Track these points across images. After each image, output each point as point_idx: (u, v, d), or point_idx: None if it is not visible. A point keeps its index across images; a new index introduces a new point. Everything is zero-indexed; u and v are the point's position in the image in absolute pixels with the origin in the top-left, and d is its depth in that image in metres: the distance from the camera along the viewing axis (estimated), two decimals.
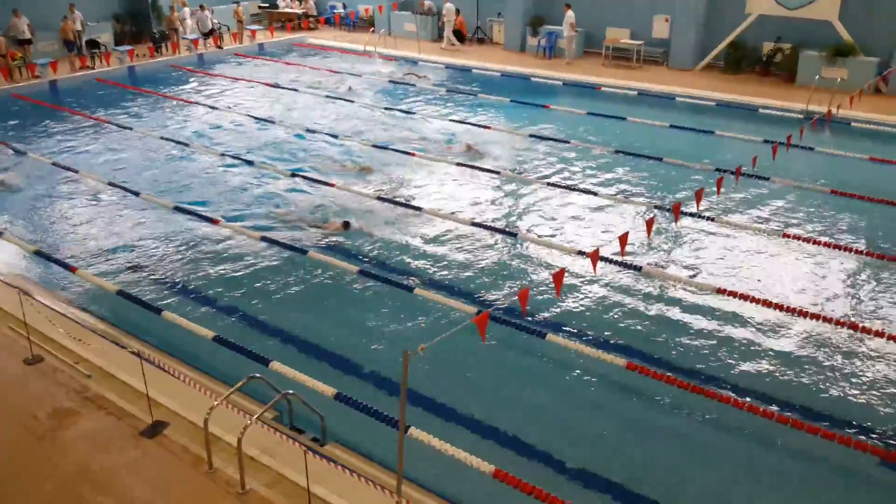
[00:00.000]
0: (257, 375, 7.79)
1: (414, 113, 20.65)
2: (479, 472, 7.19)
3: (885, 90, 21.39)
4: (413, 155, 16.97)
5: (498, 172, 15.93)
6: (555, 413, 8.78)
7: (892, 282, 11.44)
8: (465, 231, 13.15)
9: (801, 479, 7.79)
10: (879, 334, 9.80)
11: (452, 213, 13.92)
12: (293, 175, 15.78)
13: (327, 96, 22.39)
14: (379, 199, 14.44)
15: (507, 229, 13.23)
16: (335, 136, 18.44)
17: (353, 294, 11.19)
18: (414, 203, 14.28)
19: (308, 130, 18.98)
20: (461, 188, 15.27)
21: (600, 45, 26.32)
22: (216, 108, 21.10)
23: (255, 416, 7.09)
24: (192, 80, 24.83)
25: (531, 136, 18.50)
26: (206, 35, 28.70)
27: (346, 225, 13.06)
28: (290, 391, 7.70)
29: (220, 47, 28.75)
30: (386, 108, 21.08)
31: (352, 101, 21.83)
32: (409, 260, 12.15)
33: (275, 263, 12.05)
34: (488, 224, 13.39)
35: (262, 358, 9.02)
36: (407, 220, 13.59)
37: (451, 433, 8.07)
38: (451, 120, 19.91)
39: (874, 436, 8.21)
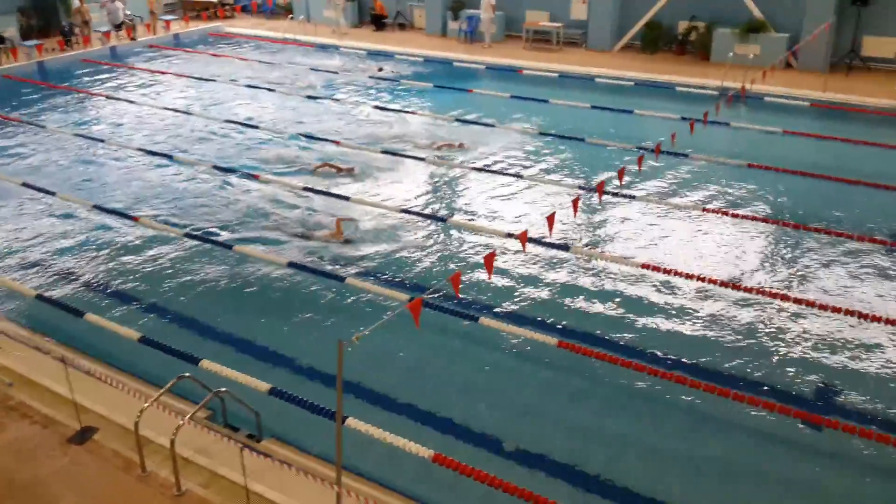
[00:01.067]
0: (187, 375, 7.63)
1: (339, 100, 20.44)
2: (419, 457, 7.22)
3: (795, 65, 22.13)
4: (338, 143, 16.81)
5: (423, 159, 15.92)
6: (491, 394, 8.87)
7: (807, 250, 11.90)
8: (395, 218, 13.12)
9: (729, 443, 8.06)
10: (797, 301, 10.19)
11: (380, 200, 13.86)
12: (228, 171, 15.47)
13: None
14: (306, 189, 14.27)
15: (436, 215, 13.25)
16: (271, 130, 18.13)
17: (283, 287, 11.06)
18: (340, 192, 14.16)
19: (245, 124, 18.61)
20: (387, 175, 15.20)
21: (520, 28, 26.51)
22: (136, 103, 20.48)
23: (188, 417, 6.96)
24: (115, 74, 23.98)
25: (457, 120, 18.53)
26: (118, 27, 27.77)
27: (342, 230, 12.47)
28: (223, 389, 7.57)
29: (133, 38, 27.88)
30: (310, 98, 20.81)
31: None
32: (338, 250, 12.06)
33: (200, 260, 11.81)
34: (417, 210, 13.38)
35: (191, 357, 8.84)
36: (334, 208, 13.47)
37: (389, 421, 8.09)
38: (375, 107, 19.78)
39: (798, 400, 8.55)
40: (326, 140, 17.09)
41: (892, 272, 11.21)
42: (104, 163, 16.20)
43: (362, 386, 8.84)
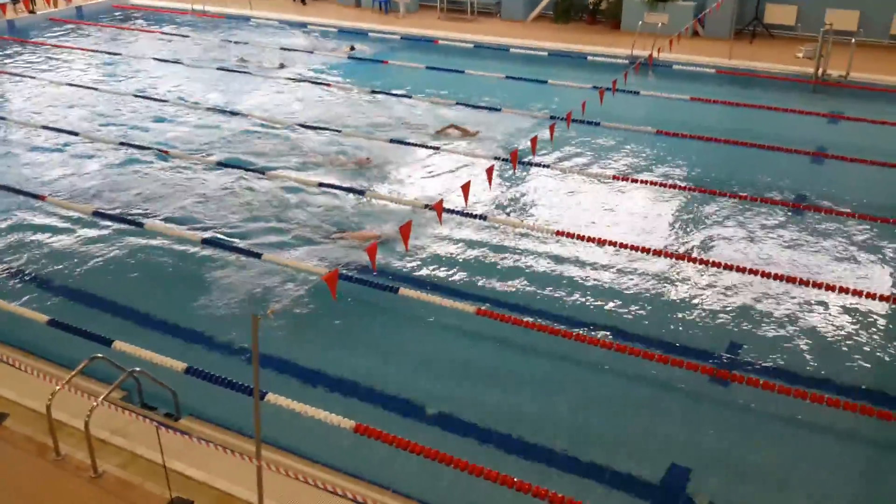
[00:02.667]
0: (100, 356, 7.47)
1: (250, 73, 20.03)
2: (340, 428, 7.28)
3: (702, 33, 22.72)
4: (248, 116, 16.51)
5: (339, 131, 15.78)
6: (412, 364, 8.98)
7: (716, 213, 12.35)
8: (312, 192, 13.00)
9: (643, 402, 8.39)
10: (706, 262, 10.61)
11: (296, 174, 13.71)
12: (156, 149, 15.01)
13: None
14: (220, 164, 13.99)
15: (354, 187, 13.19)
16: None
17: (198, 265, 10.87)
18: (256, 166, 13.95)
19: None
20: (301, 147, 15.03)
21: None
22: (53, 82, 19.61)
23: (101, 398, 6.82)
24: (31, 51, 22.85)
25: (372, 92, 18.40)
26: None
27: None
28: (137, 368, 7.45)
29: (32, 12, 26.54)
30: (219, 69, 20.30)
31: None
32: (253, 225, 11.90)
33: (110, 239, 11.49)
34: (334, 184, 13.30)
35: (103, 339, 8.64)
36: (250, 183, 13.27)
37: (310, 394, 8.12)
38: (287, 78, 19.45)
39: (706, 357, 8.94)
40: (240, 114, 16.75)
41: (795, 233, 11.74)
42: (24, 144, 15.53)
43: (282, 360, 8.81)
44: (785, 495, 7.16)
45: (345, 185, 13.26)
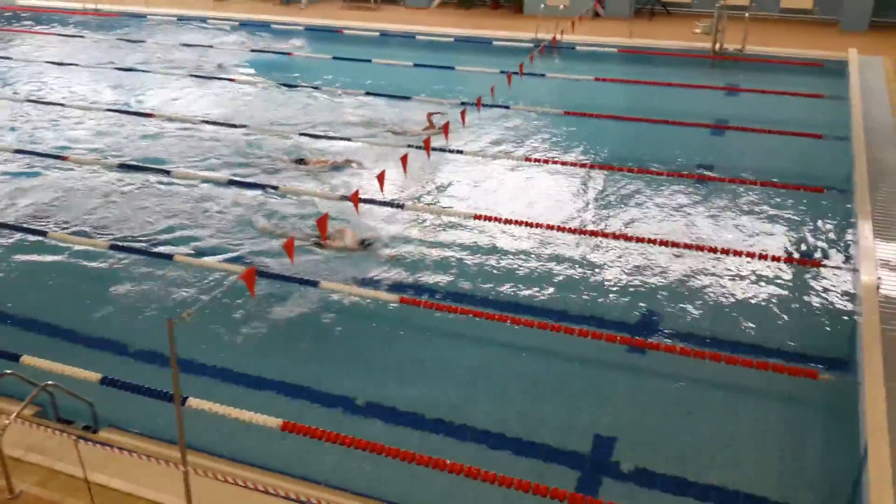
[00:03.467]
0: (9, 372, 7.16)
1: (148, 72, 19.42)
2: (267, 427, 7.18)
3: (602, 13, 23.24)
4: (152, 116, 16.04)
5: (246, 126, 15.49)
6: (337, 357, 8.92)
7: (625, 189, 12.66)
8: (220, 191, 12.74)
9: (565, 377, 8.57)
10: (619, 237, 10.88)
11: (205, 172, 13.40)
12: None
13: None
14: (122, 166, 13.55)
15: (266, 183, 12.98)
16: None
17: (107, 272, 10.52)
18: (163, 167, 13.57)
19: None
20: (210, 145, 14.69)
21: None
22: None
23: (14, 415, 6.54)
24: None
25: (281, 84, 18.11)
26: None
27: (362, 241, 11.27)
28: (50, 382, 7.16)
29: None
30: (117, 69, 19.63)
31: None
32: (162, 226, 11.58)
33: (12, 251, 11.01)
34: (245, 181, 13.05)
35: (9, 354, 8.27)
36: (155, 186, 12.90)
37: (235, 395, 7.98)
38: (193, 76, 18.97)
39: (621, 327, 9.18)
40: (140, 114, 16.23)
41: (700, 203, 12.15)
42: None
43: (202, 363, 8.63)
44: (710, 456, 7.42)
45: (254, 182, 13.03)
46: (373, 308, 9.60)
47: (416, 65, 19.30)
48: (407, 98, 16.90)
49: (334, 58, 20.16)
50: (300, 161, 13.81)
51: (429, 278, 10.25)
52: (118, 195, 12.59)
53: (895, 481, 6.38)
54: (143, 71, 19.44)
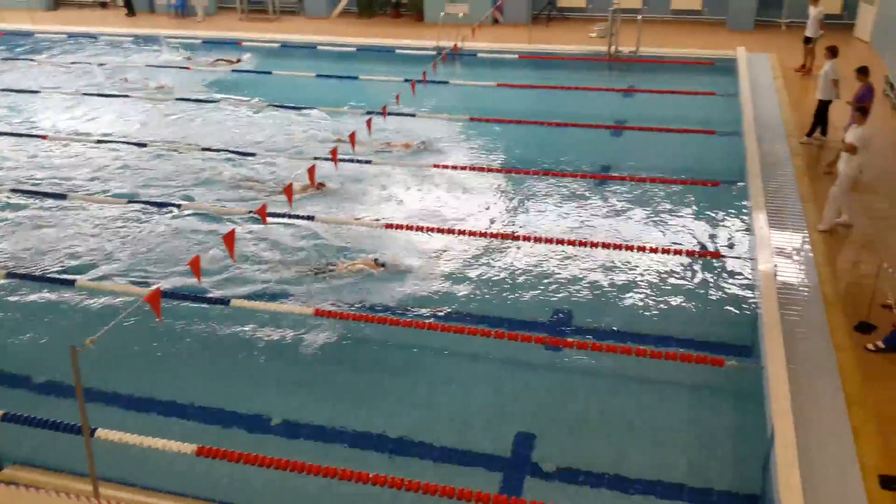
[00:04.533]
0: None
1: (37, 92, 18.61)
2: (181, 454, 6.97)
3: (501, 20, 23.56)
4: (45, 138, 15.38)
5: (145, 145, 15.00)
6: (250, 377, 8.73)
7: (531, 191, 12.86)
8: (120, 211, 12.30)
9: (485, 378, 8.64)
10: (528, 238, 11.04)
11: (103, 194, 12.93)
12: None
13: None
14: (15, 190, 12.94)
15: (169, 201, 12.60)
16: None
17: (5, 302, 10.02)
18: (58, 190, 13.02)
19: None
20: (104, 163, 14.17)
21: None
22: None
23: None
24: None
25: (178, 99, 17.64)
26: None
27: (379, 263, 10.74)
28: None
29: None
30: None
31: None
32: (62, 250, 11.10)
33: None
34: (148, 199, 12.65)
35: None
36: (50, 211, 12.36)
37: (147, 423, 7.72)
38: (85, 93, 18.26)
39: (538, 327, 9.32)
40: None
41: (603, 201, 12.46)
42: None
43: (110, 391, 8.32)
44: (627, 447, 7.59)
45: (157, 201, 12.64)
46: (287, 321, 9.44)
47: (319, 75, 19.13)
48: (311, 108, 16.72)
49: (234, 70, 19.79)
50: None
51: (346, 290, 10.15)
52: (10, 223, 12.01)
53: (801, 460, 6.69)
54: (32, 91, 18.60)
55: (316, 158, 13.45)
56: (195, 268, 7.33)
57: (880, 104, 16.00)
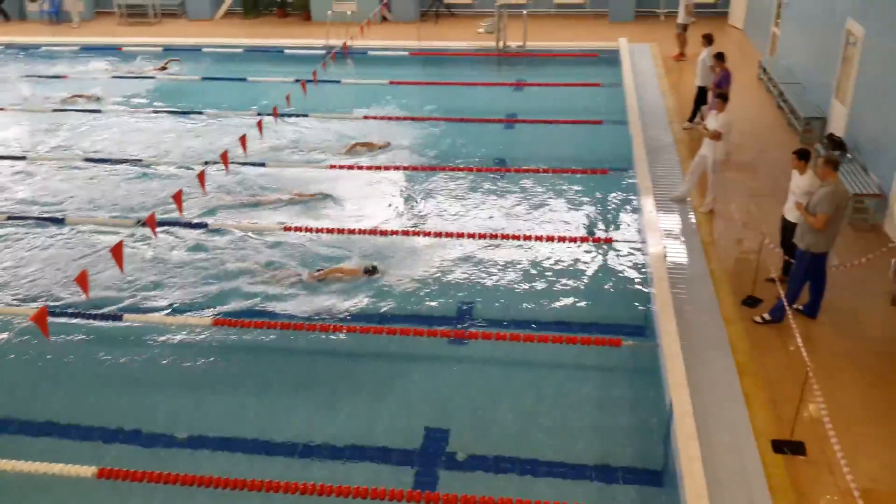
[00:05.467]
0: None
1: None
2: (82, 478, 6.70)
3: (390, 18, 23.54)
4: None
5: (23, 158, 14.28)
6: (150, 392, 8.45)
7: (428, 187, 12.91)
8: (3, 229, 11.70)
9: (393, 376, 8.63)
10: (426, 233, 11.10)
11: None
12: None
13: None
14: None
15: (52, 216, 12.04)
16: None
17: None
18: None
19: None
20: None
21: (112, 3, 24.69)
22: None
23: None
24: None
25: (54, 111, 16.84)
26: None
27: (371, 270, 10.38)
28: None
29: None
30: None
31: None
32: None
33: None
34: (28, 215, 12.05)
35: None
36: None
37: (46, 449, 7.38)
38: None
39: (443, 322, 9.39)
40: None
41: (500, 193, 12.64)
42: None
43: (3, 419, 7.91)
44: (535, 432, 7.74)
45: (39, 215, 12.06)
46: (184, 332, 9.19)
47: (204, 78, 18.64)
48: (199, 113, 16.30)
49: (113, 76, 19.06)
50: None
51: (241, 297, 9.95)
52: None
53: (699, 431, 7.00)
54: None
55: (206, 163, 13.19)
56: (82, 283, 7.04)
57: (755, 88, 16.88)
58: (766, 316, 9.07)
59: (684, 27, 18.62)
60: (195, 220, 11.60)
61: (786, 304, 8.54)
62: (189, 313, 9.50)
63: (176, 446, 7.59)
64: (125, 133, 15.48)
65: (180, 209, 9.12)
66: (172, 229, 11.34)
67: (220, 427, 7.84)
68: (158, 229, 10.33)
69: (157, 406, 8.19)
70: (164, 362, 8.85)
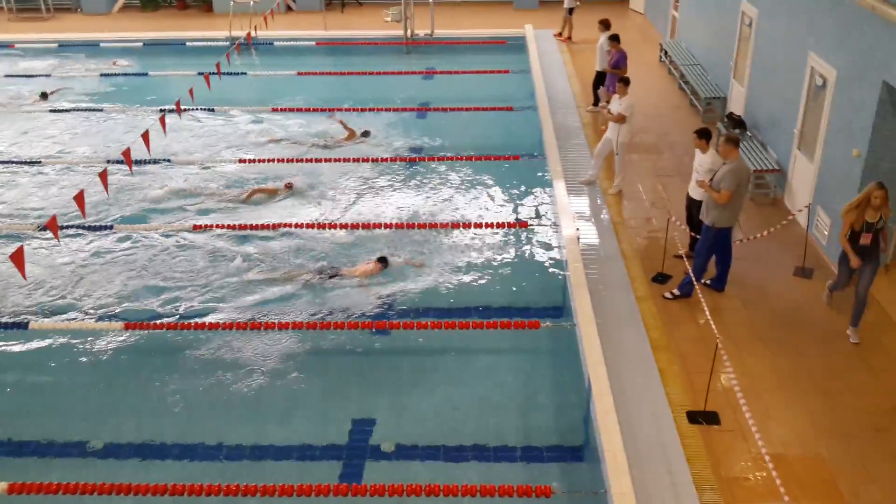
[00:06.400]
0: None
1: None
2: None
3: (295, 7, 23.17)
4: None
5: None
6: (63, 400, 8.16)
7: (341, 179, 12.78)
8: None
9: (319, 369, 8.54)
10: (343, 226, 11.02)
11: None
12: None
13: None
14: None
15: None
16: None
17: None
18: None
19: None
20: None
21: None
22: None
23: None
24: None
25: None
26: None
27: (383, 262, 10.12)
28: None
29: None
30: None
31: None
32: None
33: None
34: None
35: None
36: None
37: None
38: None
39: (365, 315, 9.34)
40: None
41: (417, 183, 12.63)
42: None
43: None
44: (459, 418, 7.80)
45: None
46: (95, 339, 8.88)
47: (102, 75, 17.94)
48: (98, 110, 15.68)
49: (6, 75, 18.15)
50: None
51: (153, 299, 9.67)
52: None
53: (617, 406, 7.19)
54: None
55: (109, 161, 12.74)
56: None
57: (657, 70, 17.35)
58: (676, 291, 9.37)
59: (570, 10, 19.15)
60: (97, 224, 11.19)
61: (693, 278, 8.85)
62: (101, 318, 9.18)
63: (91, 455, 7.35)
64: (18, 138, 14.75)
65: (83, 212, 8.77)
66: (77, 233, 10.91)
67: (138, 433, 7.62)
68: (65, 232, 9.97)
69: (64, 417, 7.92)
70: (75, 367, 8.55)
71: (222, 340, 8.87)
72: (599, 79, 14.80)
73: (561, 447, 7.44)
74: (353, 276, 9.97)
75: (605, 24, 14.83)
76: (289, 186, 12.34)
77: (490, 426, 7.67)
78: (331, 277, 9.91)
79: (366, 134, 14.33)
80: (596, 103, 15.00)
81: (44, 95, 16.47)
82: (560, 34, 19.60)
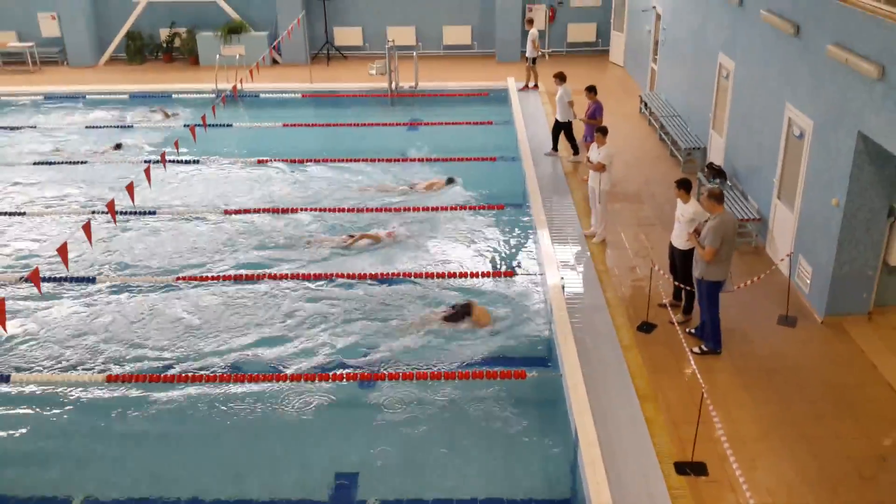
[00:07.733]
0: None
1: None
2: None
3: (280, 60, 23.43)
4: None
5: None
6: (43, 454, 8.01)
7: (324, 229, 12.81)
8: None
9: (294, 424, 8.45)
10: (318, 276, 11.01)
11: None
12: None
13: None
14: None
15: None
16: None
17: None
18: None
19: None
20: None
21: None
22: None
23: None
24: None
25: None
26: None
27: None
28: None
29: None
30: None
31: None
32: None
33: None
34: None
35: None
36: None
37: None
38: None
39: (349, 366, 9.28)
40: None
41: (406, 231, 12.66)
42: None
43: None
44: (444, 470, 7.71)
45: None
46: (77, 392, 8.75)
47: (88, 127, 17.99)
48: (82, 163, 15.70)
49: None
50: None
51: (133, 351, 9.57)
52: None
53: (605, 457, 7.14)
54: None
55: (93, 212, 12.72)
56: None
57: (637, 121, 17.62)
58: (704, 347, 9.32)
59: (533, 60, 19.51)
60: (80, 276, 11.12)
61: (710, 325, 8.99)
62: (83, 369, 9.07)
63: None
64: (7, 189, 14.72)
65: (66, 263, 8.70)
66: (61, 286, 10.82)
67: (109, 488, 7.48)
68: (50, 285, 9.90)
69: (46, 470, 7.77)
70: (55, 419, 8.43)
71: (214, 392, 8.76)
72: (558, 128, 15.14)
73: (549, 501, 7.35)
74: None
75: (560, 78, 15.11)
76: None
77: (476, 477, 7.58)
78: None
79: (451, 181, 14.46)
80: (576, 153, 15.20)
81: (118, 146, 16.63)
82: (526, 86, 19.88)
